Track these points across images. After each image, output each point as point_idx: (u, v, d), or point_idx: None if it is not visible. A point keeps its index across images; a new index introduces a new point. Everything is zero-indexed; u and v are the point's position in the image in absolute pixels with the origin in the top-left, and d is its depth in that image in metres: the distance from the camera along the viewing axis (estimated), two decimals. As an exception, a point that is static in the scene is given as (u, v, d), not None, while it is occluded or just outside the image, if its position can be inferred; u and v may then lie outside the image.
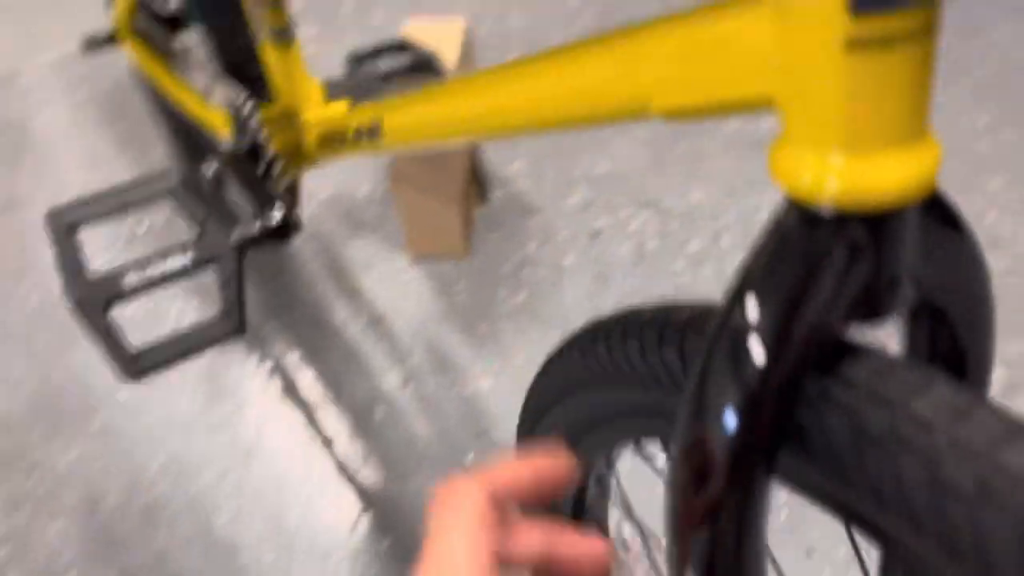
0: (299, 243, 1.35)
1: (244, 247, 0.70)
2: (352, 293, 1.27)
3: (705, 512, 0.37)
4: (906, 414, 0.31)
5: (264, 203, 0.73)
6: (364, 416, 1.12)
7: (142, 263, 0.67)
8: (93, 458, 1.10)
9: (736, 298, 0.33)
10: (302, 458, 1.08)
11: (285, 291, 1.29)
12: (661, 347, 0.41)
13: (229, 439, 1.11)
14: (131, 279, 0.67)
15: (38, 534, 1.03)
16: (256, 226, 0.71)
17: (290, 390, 1.16)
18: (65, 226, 0.70)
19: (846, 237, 0.29)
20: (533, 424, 0.57)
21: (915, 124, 0.27)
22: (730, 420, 0.35)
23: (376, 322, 1.23)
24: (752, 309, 0.33)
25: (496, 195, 1.39)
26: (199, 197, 0.72)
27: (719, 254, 1.25)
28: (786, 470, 0.37)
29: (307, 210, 1.40)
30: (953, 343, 0.34)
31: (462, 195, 1.24)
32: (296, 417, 1.12)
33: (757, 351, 0.32)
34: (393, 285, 1.27)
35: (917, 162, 0.27)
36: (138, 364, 0.66)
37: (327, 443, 1.09)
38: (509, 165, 1.44)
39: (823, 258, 0.30)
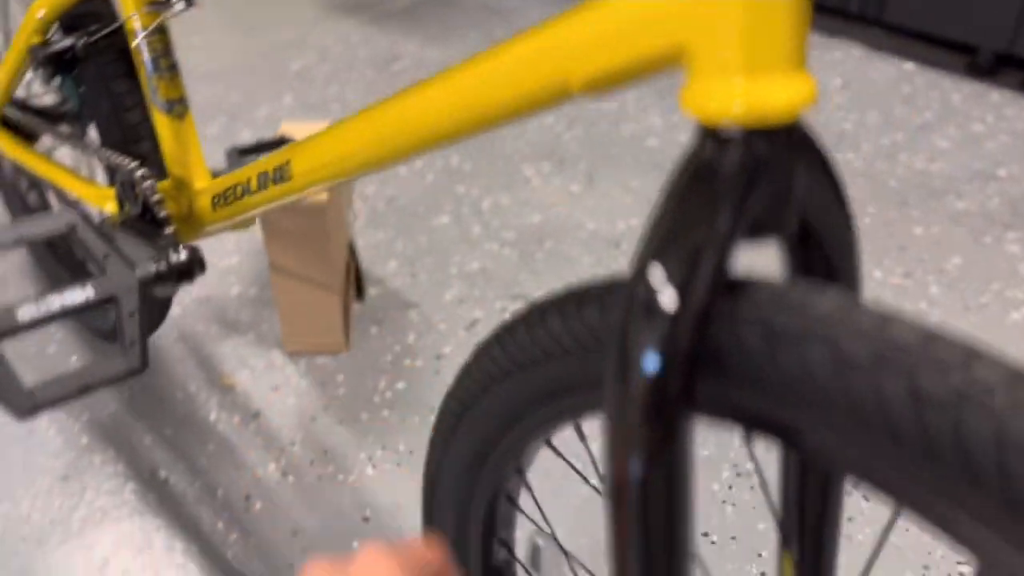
0: (167, 343, 1.30)
1: (148, 283, 0.68)
2: (225, 391, 1.23)
3: (637, 457, 0.40)
4: (809, 312, 0.36)
5: (165, 246, 0.72)
6: (239, 510, 1.06)
7: (38, 297, 0.64)
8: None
9: (649, 244, 0.37)
10: (169, 563, 1.00)
11: (151, 391, 1.23)
12: (581, 310, 0.45)
13: (86, 548, 1.02)
14: (26, 312, 0.63)
15: None
16: (162, 263, 0.69)
17: (155, 491, 1.08)
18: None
19: (751, 152, 0.34)
20: (447, 436, 0.58)
21: (800, 53, 0.34)
22: (651, 362, 0.39)
23: (252, 417, 1.19)
24: (661, 247, 0.37)
25: (372, 293, 1.41)
26: (100, 237, 0.70)
27: (590, 339, 1.31)
28: (705, 400, 0.41)
29: (175, 311, 1.36)
30: (826, 263, 0.40)
31: (343, 287, 1.25)
32: (160, 521, 1.05)
33: (668, 294, 0.36)
34: (269, 381, 1.24)
35: (803, 83, 0.34)
36: (32, 400, 0.62)
37: (204, 541, 1.02)
38: (384, 264, 1.47)
39: (733, 177, 0.35)
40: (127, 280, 0.67)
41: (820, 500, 0.48)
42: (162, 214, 0.80)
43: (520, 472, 0.60)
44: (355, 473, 1.11)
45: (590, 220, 1.58)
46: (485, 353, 0.53)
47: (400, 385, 1.24)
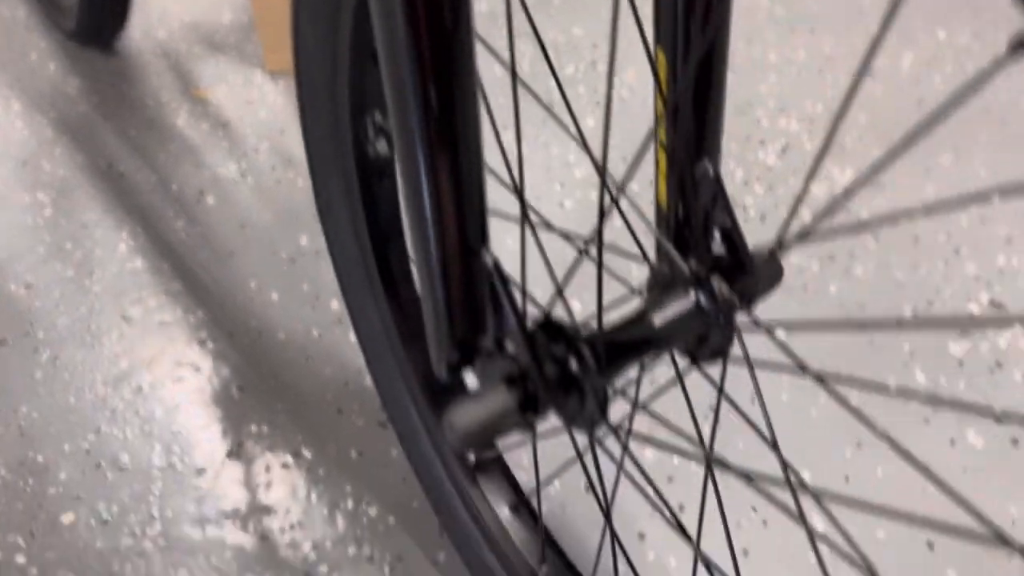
0: (146, 58, 1.24)
1: None
2: (198, 101, 1.17)
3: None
4: None
5: None
6: (191, 203, 1.01)
7: None
8: None
9: None
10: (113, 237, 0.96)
11: (123, 96, 1.17)
12: None
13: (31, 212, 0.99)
14: None
15: None
16: None
17: (108, 181, 1.04)
18: None
19: None
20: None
21: None
22: None
23: (220, 126, 1.12)
24: None
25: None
26: None
27: (592, 78, 1.19)
28: None
29: (160, 32, 1.29)
30: None
31: (322, -3, 1.15)
32: (108, 204, 1.01)
33: None
34: (244, 95, 1.17)
35: None
36: None
37: (150, 228, 0.98)
38: None
39: None
40: None
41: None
42: None
43: None
44: (316, 179, 1.04)
45: (618, -29, 1.42)
46: None
47: (380, 108, 1.15)
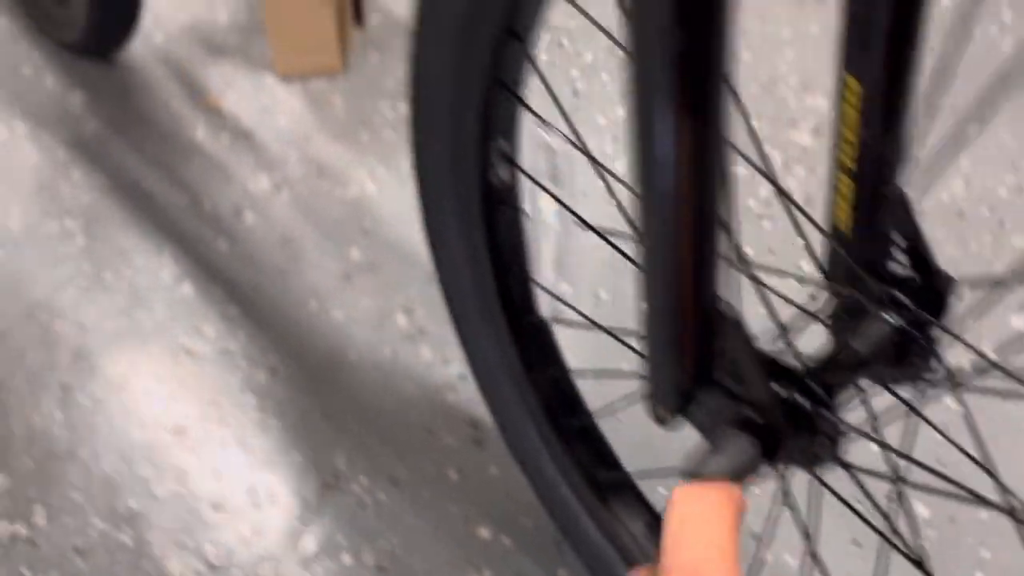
0: (147, 66, 1.19)
1: None
2: (211, 112, 1.12)
3: None
4: None
5: None
6: (229, 221, 0.98)
7: None
8: None
9: None
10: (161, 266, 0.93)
11: (132, 110, 1.12)
12: None
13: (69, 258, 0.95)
14: None
15: None
16: None
17: (137, 201, 1.00)
18: None
19: None
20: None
21: None
22: None
23: (241, 136, 1.09)
24: None
25: (374, 21, 1.27)
26: None
27: (614, 64, 1.18)
28: None
29: (157, 37, 1.24)
30: None
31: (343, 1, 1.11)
32: (144, 228, 0.97)
33: None
34: (259, 102, 1.13)
35: None
36: None
37: (191, 249, 0.95)
38: (386, -7, 1.33)
39: None
40: None
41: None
42: None
43: (521, 38, 0.48)
44: (354, 188, 1.02)
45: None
46: None
47: (403, 107, 1.13)
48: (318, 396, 0.82)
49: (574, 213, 0.57)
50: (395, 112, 1.12)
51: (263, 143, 1.07)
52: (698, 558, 0.28)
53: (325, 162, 1.05)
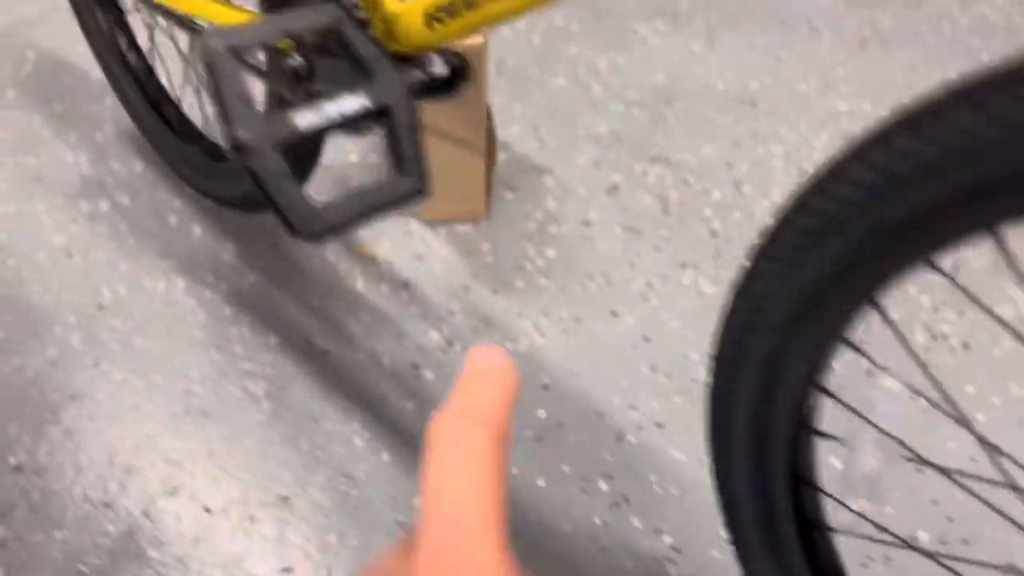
0: (293, 212, 1.21)
1: (418, 93, 0.59)
2: (366, 261, 1.15)
3: None
4: None
5: (405, 60, 0.62)
6: (410, 378, 1.00)
7: (311, 104, 0.55)
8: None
9: None
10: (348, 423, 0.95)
11: (286, 259, 1.15)
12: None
13: (261, 424, 0.96)
14: (303, 119, 0.54)
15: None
16: (428, 69, 0.59)
17: (315, 361, 1.02)
18: (227, 50, 0.54)
19: None
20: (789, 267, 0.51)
21: None
22: None
23: (401, 287, 1.11)
24: None
25: (500, 158, 1.31)
26: (366, 37, 0.59)
27: (744, 202, 1.23)
28: None
29: (294, 180, 1.26)
30: None
31: (486, 146, 1.16)
32: (328, 391, 0.99)
33: None
34: (411, 250, 1.16)
35: None
36: (319, 220, 0.53)
37: (378, 409, 0.97)
38: (506, 129, 1.37)
39: None
40: (396, 91, 0.57)
41: None
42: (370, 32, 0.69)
43: (818, 385, 0.52)
44: (523, 341, 1.04)
45: (718, 79, 1.47)
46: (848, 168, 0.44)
47: (550, 252, 1.16)
48: (540, 570, 0.83)
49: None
50: (543, 258, 1.15)
51: (423, 294, 1.10)
52: (460, 512, 0.24)
53: (488, 314, 1.08)
